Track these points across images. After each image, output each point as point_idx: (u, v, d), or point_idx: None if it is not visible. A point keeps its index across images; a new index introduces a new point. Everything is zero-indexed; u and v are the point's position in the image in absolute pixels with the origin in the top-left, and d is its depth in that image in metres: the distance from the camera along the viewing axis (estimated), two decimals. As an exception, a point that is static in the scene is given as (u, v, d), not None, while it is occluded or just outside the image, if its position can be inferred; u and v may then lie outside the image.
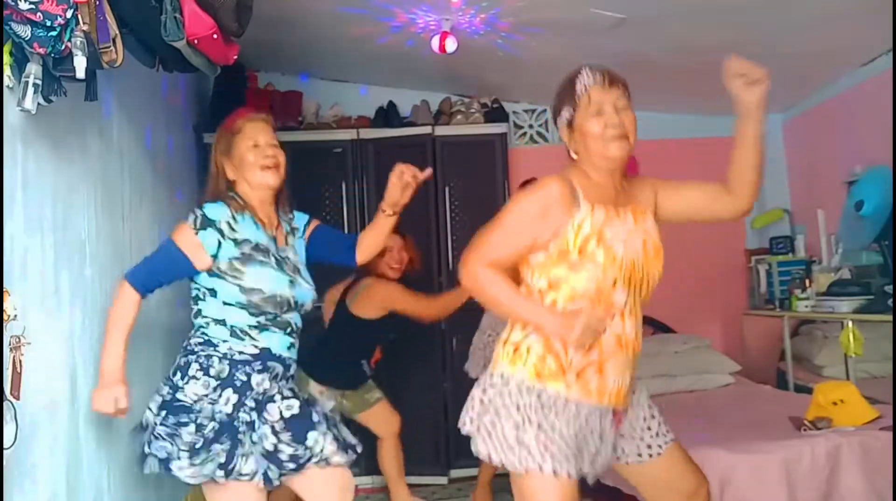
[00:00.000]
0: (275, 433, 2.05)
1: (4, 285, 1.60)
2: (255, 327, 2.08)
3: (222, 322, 2.07)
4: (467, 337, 3.80)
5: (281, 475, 2.08)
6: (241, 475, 2.00)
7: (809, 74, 4.30)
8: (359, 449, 2.22)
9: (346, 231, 4.39)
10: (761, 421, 3.12)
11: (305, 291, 2.19)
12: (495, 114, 4.64)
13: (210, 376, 2.03)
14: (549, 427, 1.72)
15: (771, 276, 4.55)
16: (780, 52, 3.90)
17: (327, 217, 4.40)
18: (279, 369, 2.12)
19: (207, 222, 2.05)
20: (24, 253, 1.76)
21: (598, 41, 3.74)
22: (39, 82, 1.68)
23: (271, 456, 2.05)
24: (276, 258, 2.14)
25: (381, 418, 3.51)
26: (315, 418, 2.14)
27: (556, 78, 2.07)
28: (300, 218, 2.34)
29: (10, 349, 1.63)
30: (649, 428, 1.93)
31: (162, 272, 2.08)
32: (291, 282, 2.14)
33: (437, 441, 4.15)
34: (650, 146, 4.97)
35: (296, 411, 2.11)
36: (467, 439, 1.87)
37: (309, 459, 2.09)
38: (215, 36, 2.18)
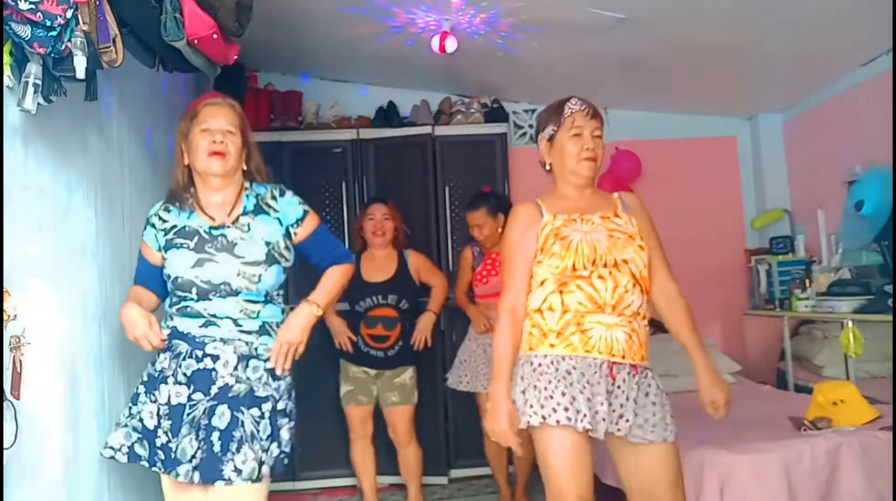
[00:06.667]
0: (159, 415, 2.04)
1: (4, 285, 1.60)
2: (175, 314, 2.11)
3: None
4: (465, 337, 3.80)
5: (153, 462, 2.02)
6: (105, 446, 2.05)
7: (809, 74, 4.30)
8: (231, 480, 1.95)
9: (346, 231, 4.39)
10: (761, 421, 3.12)
11: (220, 271, 2.04)
12: (495, 114, 4.64)
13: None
14: (543, 387, 2.01)
15: (771, 276, 4.55)
16: (780, 53, 3.90)
17: (327, 217, 4.40)
18: (183, 347, 2.06)
19: (146, 222, 2.19)
20: (24, 253, 1.76)
21: (598, 41, 3.74)
22: (39, 82, 1.68)
23: (148, 434, 2.03)
24: (200, 238, 2.08)
25: (396, 419, 3.58)
26: (189, 416, 2.00)
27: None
28: (290, 206, 2.17)
29: (10, 349, 1.63)
30: (653, 414, 2.08)
31: (143, 276, 2.20)
32: (199, 261, 2.05)
33: (437, 441, 4.15)
34: (650, 146, 5.00)
35: (183, 400, 2.03)
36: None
37: (178, 460, 1.98)
38: (215, 36, 2.18)
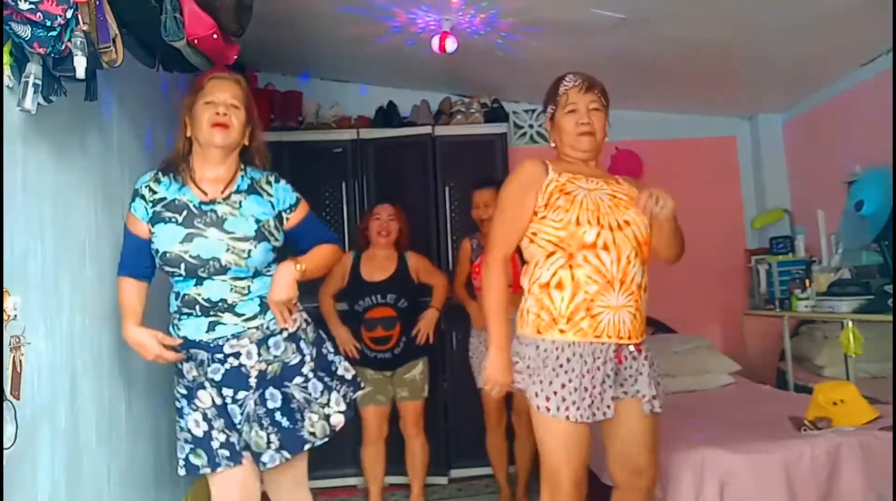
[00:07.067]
0: (207, 419, 2.07)
1: (4, 285, 1.60)
2: (177, 312, 2.12)
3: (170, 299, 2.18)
4: (467, 338, 3.80)
5: (215, 464, 2.07)
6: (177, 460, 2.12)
7: (809, 74, 4.30)
8: (313, 441, 2.14)
9: (346, 231, 4.39)
10: (761, 421, 3.12)
11: (209, 245, 2.04)
12: (495, 114, 4.64)
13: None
14: (544, 376, 2.06)
15: (771, 276, 4.55)
16: (780, 52, 3.90)
17: (327, 217, 4.40)
18: (202, 355, 2.09)
19: (134, 194, 2.15)
20: (24, 253, 1.76)
21: (598, 41, 3.74)
22: (39, 82, 1.68)
23: (199, 441, 2.07)
24: (189, 212, 2.07)
25: (407, 413, 3.62)
26: (244, 414, 2.09)
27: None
28: (284, 192, 2.20)
29: (10, 349, 1.63)
30: (645, 386, 2.15)
31: (130, 254, 2.16)
32: (188, 236, 2.04)
33: (437, 441, 4.14)
34: (650, 146, 5.00)
35: (221, 400, 2.09)
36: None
37: (246, 448, 2.09)
38: (215, 36, 2.18)
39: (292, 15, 3.61)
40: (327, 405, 2.15)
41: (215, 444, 2.06)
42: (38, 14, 1.53)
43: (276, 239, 2.15)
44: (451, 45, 3.64)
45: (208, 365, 2.08)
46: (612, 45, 3.77)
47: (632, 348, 2.12)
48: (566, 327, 2.07)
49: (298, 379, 2.11)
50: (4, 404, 1.56)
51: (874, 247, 3.79)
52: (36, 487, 1.79)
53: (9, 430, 1.58)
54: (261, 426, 2.08)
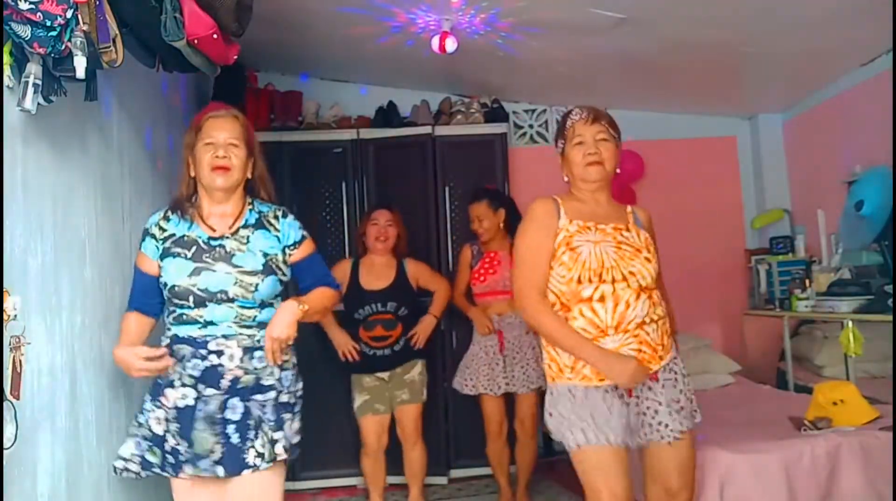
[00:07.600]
0: (166, 420, 2.06)
1: (4, 285, 1.59)
2: (172, 323, 2.12)
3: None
4: (466, 338, 3.80)
5: (164, 466, 2.04)
6: (117, 458, 2.08)
7: (809, 74, 4.30)
8: (257, 465, 2.00)
9: (346, 231, 4.39)
10: (761, 421, 3.12)
11: (217, 279, 2.05)
12: (495, 114, 4.64)
13: None
14: (559, 414, 2.16)
15: (771, 276, 4.55)
16: (780, 52, 3.90)
17: (327, 217, 4.40)
18: (186, 350, 2.07)
19: (144, 234, 2.19)
20: (24, 253, 1.76)
21: (598, 41, 3.74)
22: (39, 82, 1.68)
23: (158, 440, 2.06)
24: (198, 248, 2.09)
25: (405, 418, 3.58)
26: (200, 414, 2.03)
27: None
28: (290, 228, 2.21)
29: (10, 349, 1.63)
30: (678, 412, 2.21)
31: (140, 292, 2.19)
32: (196, 270, 2.06)
33: (437, 442, 4.14)
34: (650, 146, 5.00)
35: (190, 402, 2.05)
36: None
37: (188, 461, 2.01)
38: (215, 36, 2.18)
39: (292, 15, 3.61)
40: (277, 430, 2.07)
41: (167, 446, 2.05)
42: (38, 14, 1.53)
43: (284, 274, 2.18)
44: (451, 45, 3.64)
45: (188, 361, 2.06)
46: (612, 45, 3.77)
47: (645, 381, 2.15)
48: (572, 375, 2.15)
49: (260, 397, 2.06)
50: (4, 404, 1.56)
51: (874, 247, 3.79)
52: (36, 487, 1.78)
53: (9, 430, 1.58)
54: (212, 431, 2.03)
